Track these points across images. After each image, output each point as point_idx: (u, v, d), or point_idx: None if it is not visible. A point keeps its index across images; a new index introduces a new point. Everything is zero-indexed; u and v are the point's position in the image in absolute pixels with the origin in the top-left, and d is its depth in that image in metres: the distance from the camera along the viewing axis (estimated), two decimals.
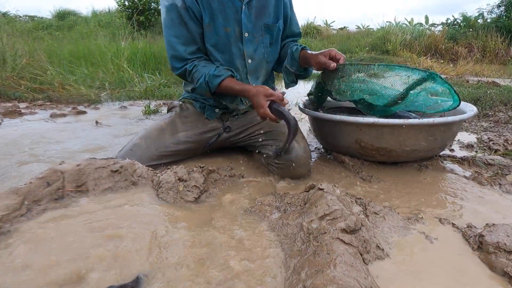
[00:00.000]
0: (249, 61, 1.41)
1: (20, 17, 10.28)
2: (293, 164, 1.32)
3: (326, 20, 13.93)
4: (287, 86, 1.54)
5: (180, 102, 1.54)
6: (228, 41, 1.35)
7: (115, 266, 0.77)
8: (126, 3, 8.82)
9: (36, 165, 1.41)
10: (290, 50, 1.43)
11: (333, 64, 1.26)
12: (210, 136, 1.48)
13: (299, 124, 1.35)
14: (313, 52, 1.34)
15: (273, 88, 1.57)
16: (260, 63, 1.44)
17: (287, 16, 1.48)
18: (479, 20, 9.83)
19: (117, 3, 9.09)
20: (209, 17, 1.30)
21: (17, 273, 0.73)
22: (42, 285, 0.70)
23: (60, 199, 1.07)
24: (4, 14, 9.41)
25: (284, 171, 1.35)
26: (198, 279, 0.74)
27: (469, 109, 1.50)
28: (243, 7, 1.31)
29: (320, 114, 1.47)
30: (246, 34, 1.36)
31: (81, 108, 2.59)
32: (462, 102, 1.67)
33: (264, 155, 1.42)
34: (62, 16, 10.38)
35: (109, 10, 9.91)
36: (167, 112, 1.58)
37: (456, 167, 1.48)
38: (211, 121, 1.48)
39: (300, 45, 1.42)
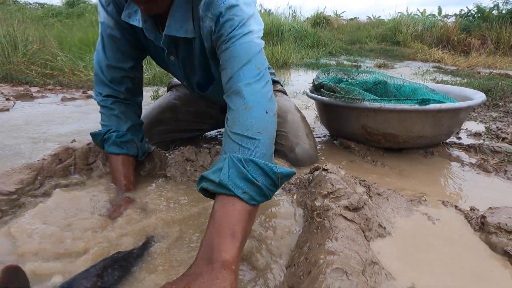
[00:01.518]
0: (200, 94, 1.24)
1: (31, 4, 10.34)
2: (299, 161, 1.33)
3: (336, 10, 13.75)
4: None
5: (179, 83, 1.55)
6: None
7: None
8: None
9: (48, 144, 1.45)
10: None
11: None
12: (209, 114, 1.50)
13: (306, 113, 1.29)
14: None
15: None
16: (214, 97, 1.27)
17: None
18: (494, 12, 9.60)
19: None
20: (141, 50, 1.14)
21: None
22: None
23: (71, 175, 1.11)
24: (15, 1, 9.48)
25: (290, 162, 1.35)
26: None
27: (478, 96, 1.49)
28: (170, 57, 1.06)
29: (327, 99, 1.48)
30: (185, 83, 1.25)
31: (90, 92, 2.62)
32: (471, 89, 1.66)
33: None
34: (72, 3, 10.40)
35: None
36: (167, 90, 1.61)
37: (462, 154, 1.48)
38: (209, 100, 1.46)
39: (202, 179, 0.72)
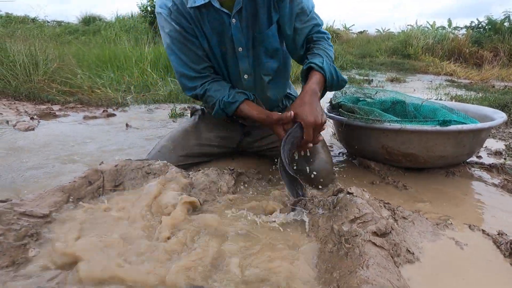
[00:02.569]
0: (245, 76, 1.34)
1: (48, 22, 10.72)
2: (316, 176, 1.31)
3: (345, 24, 13.86)
4: None
5: (202, 107, 1.60)
6: (225, 60, 1.32)
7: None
8: (149, 8, 9.05)
9: (75, 165, 1.49)
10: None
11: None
12: (232, 139, 1.52)
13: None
14: (299, 96, 1.18)
15: (289, 95, 1.56)
16: (258, 78, 1.36)
17: (286, 13, 1.24)
18: (505, 23, 9.55)
19: (140, 8, 9.35)
20: (205, 40, 1.27)
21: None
22: None
23: (100, 196, 1.14)
24: (33, 20, 9.84)
25: (307, 181, 1.36)
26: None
27: (499, 116, 1.49)
28: (233, 20, 1.21)
29: (346, 119, 1.50)
30: (240, 49, 1.28)
31: (110, 110, 2.69)
32: (490, 109, 1.66)
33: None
34: (88, 21, 10.74)
35: (132, 15, 10.19)
36: (190, 115, 1.65)
37: (484, 174, 1.47)
38: (232, 124, 1.50)
39: (309, 63, 1.22)
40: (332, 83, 1.22)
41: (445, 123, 1.30)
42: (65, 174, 1.37)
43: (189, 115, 1.72)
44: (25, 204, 0.98)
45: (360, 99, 1.77)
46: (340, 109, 1.61)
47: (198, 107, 1.62)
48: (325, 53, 1.26)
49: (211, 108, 1.32)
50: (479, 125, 1.34)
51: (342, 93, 1.81)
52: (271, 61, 1.35)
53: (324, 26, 1.39)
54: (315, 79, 1.18)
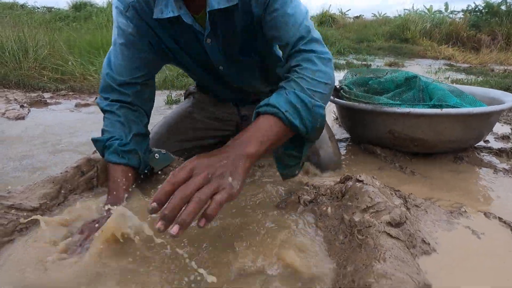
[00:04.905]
0: (234, 86, 1.23)
1: (38, 8, 10.41)
2: (323, 164, 1.27)
3: (341, 9, 13.64)
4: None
5: (196, 89, 1.52)
6: (203, 73, 1.19)
7: None
8: None
9: (67, 154, 1.42)
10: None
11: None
12: (229, 121, 1.45)
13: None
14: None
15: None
16: (246, 84, 1.24)
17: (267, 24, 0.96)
18: (502, 7, 9.44)
19: None
20: (178, 54, 1.11)
21: None
22: None
23: (94, 188, 1.08)
24: (22, 6, 9.54)
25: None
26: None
27: (509, 99, 1.44)
28: (208, 40, 1.01)
29: (351, 103, 1.44)
30: (221, 68, 1.13)
31: None
32: (499, 91, 1.60)
33: None
34: (79, 7, 10.43)
35: None
36: (184, 98, 1.57)
37: (493, 159, 1.42)
38: (226, 106, 1.42)
39: (262, 106, 0.82)
40: (303, 123, 0.82)
41: (454, 106, 1.24)
42: (57, 164, 1.30)
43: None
44: (13, 197, 0.91)
45: (372, 78, 1.70)
46: (341, 92, 1.55)
47: (192, 88, 1.54)
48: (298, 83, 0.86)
49: (96, 137, 1.03)
50: (490, 107, 1.28)
51: (351, 74, 1.74)
52: (259, 75, 1.21)
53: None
54: (257, 124, 0.78)
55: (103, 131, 1.04)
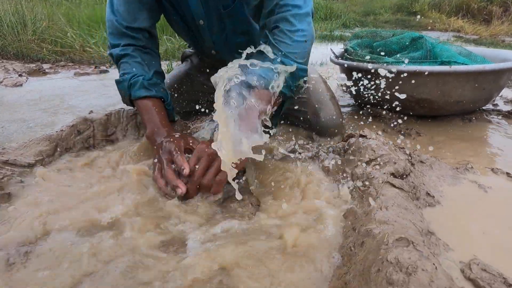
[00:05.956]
0: (213, 52, 1.19)
1: None
2: (323, 129, 1.20)
3: None
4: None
5: (193, 52, 1.47)
6: (188, 30, 1.14)
7: None
8: None
9: (65, 116, 1.40)
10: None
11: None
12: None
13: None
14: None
15: None
16: (228, 55, 1.16)
17: None
18: None
19: None
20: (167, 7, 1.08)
21: None
22: None
23: (91, 147, 1.06)
24: None
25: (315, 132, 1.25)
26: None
27: None
28: None
29: (355, 63, 1.38)
30: (201, 22, 1.08)
31: (103, 68, 2.56)
32: (509, 51, 1.53)
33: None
34: None
35: None
36: (181, 61, 1.53)
37: (503, 121, 1.37)
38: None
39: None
40: (290, 90, 0.87)
41: (464, 63, 1.19)
42: (54, 125, 1.28)
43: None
44: (7, 153, 0.90)
45: (377, 40, 1.64)
46: (345, 54, 1.49)
47: (188, 51, 1.49)
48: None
49: (119, 77, 1.03)
50: (502, 64, 1.22)
51: (356, 37, 1.68)
52: (242, 38, 1.15)
53: None
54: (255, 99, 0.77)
55: (122, 75, 1.02)
